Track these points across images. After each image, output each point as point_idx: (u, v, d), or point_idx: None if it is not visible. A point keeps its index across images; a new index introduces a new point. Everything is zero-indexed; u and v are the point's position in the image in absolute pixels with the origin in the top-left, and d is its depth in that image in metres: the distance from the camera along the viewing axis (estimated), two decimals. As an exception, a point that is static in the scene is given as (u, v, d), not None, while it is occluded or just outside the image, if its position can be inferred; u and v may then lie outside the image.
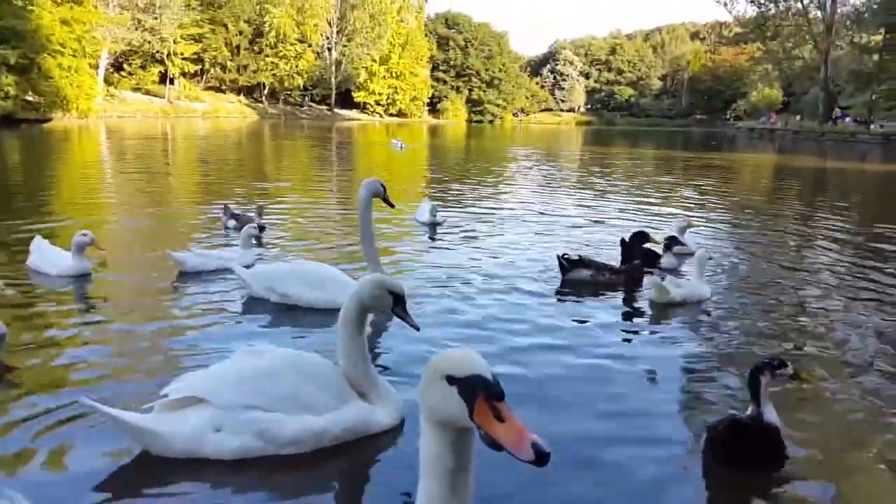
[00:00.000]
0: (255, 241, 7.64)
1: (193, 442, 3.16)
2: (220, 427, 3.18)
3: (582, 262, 6.77)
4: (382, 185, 6.01)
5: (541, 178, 19.52)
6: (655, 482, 3.26)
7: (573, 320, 5.69)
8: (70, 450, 3.28)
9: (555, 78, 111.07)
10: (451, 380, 1.51)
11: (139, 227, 9.51)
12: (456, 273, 7.10)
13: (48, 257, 6.53)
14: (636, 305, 6.34)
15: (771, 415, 3.44)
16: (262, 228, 8.81)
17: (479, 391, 1.47)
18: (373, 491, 3.20)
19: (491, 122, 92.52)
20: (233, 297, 5.94)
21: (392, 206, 6.25)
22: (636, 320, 5.95)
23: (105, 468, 3.13)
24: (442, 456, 1.56)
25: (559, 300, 6.32)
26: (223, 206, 9.44)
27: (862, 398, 4.25)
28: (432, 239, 9.11)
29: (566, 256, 6.77)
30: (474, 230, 9.75)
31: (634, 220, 10.94)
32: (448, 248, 8.46)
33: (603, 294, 6.50)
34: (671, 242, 7.67)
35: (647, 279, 6.50)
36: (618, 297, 6.49)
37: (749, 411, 3.48)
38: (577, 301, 6.29)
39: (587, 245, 8.84)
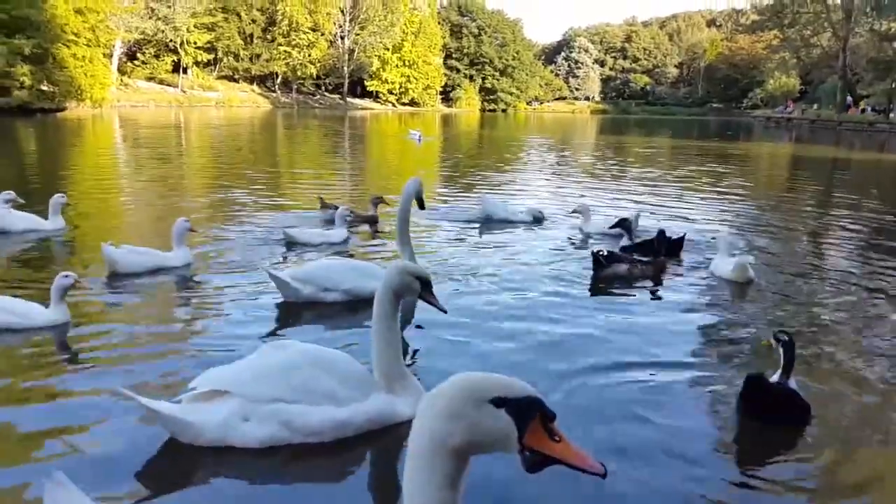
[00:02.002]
0: (347, 221, 8.16)
1: (222, 431, 3.27)
2: (247, 417, 3.30)
3: (615, 257, 6.78)
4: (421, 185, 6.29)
5: (559, 170, 19.48)
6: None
7: (620, 312, 5.80)
8: (105, 436, 3.41)
9: (569, 66, 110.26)
10: (499, 402, 1.44)
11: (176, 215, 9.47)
12: (485, 268, 7.10)
13: (145, 253, 6.36)
14: (682, 292, 6.46)
15: (792, 382, 3.85)
16: (374, 220, 9.09)
17: (534, 412, 1.45)
18: (391, 480, 3.27)
19: (504, 110, 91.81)
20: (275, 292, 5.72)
21: (422, 207, 6.47)
22: (704, 303, 6.12)
23: (136, 454, 3.24)
24: (441, 490, 1.44)
25: (593, 295, 6.33)
26: (320, 199, 9.64)
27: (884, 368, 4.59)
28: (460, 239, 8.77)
29: (601, 253, 6.72)
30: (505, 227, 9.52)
31: (664, 214, 10.90)
32: (479, 245, 8.41)
33: (639, 286, 6.58)
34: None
35: (736, 260, 6.70)
36: (666, 289, 6.59)
37: (776, 376, 3.86)
38: (619, 293, 6.39)
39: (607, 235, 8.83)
